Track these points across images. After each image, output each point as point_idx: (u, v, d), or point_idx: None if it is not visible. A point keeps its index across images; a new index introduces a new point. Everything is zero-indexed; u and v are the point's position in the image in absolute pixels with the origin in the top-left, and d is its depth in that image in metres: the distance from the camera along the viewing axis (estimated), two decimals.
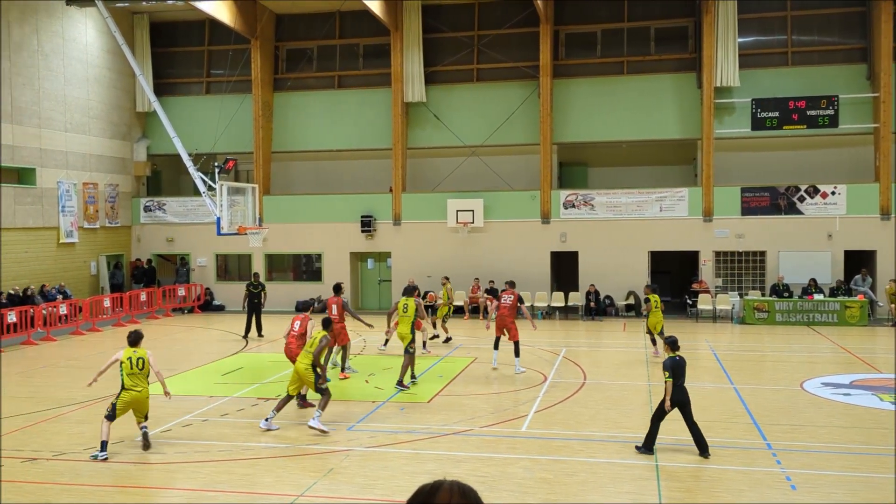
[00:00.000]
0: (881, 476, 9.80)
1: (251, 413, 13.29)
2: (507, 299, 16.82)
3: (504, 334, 16.76)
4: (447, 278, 23.38)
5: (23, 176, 24.30)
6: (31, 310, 21.47)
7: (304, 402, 13.49)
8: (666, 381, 10.53)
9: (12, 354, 19.73)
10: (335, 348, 16.07)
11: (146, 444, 11.04)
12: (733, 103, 25.94)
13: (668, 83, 26.68)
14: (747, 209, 25.44)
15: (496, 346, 16.92)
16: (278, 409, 12.15)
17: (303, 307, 15.75)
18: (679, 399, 10.49)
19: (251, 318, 21.85)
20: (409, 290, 15.99)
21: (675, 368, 10.52)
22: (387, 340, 19.19)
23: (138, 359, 11.21)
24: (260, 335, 21.96)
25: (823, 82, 25.43)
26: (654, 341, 18.42)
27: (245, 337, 21.65)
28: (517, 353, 16.49)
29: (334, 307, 16.15)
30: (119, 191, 28.49)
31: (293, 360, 13.35)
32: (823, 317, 23.43)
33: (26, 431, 12.18)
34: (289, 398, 12.36)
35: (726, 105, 26.01)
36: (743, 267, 25.69)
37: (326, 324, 12.77)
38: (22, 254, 23.75)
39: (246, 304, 21.76)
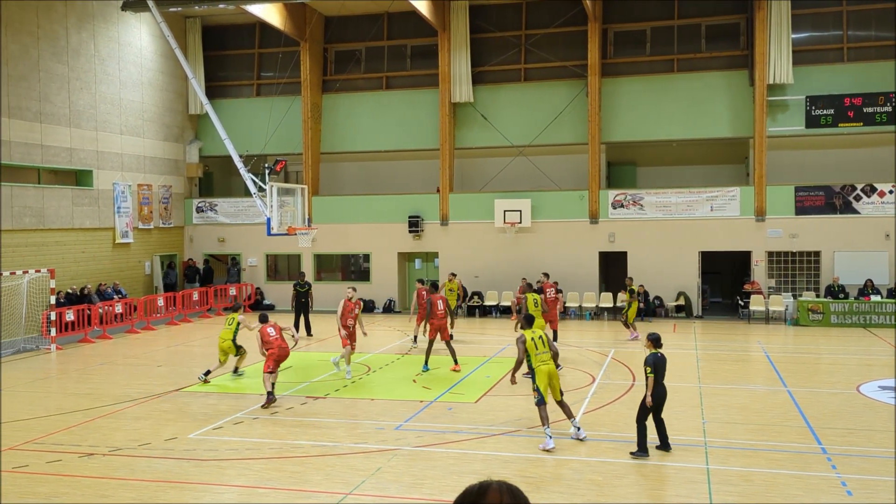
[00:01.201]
0: None
1: (300, 411, 13.46)
2: (550, 292, 18.75)
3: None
4: (454, 274, 23.10)
5: (80, 178, 24.98)
6: (88, 308, 22.06)
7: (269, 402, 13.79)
8: (647, 377, 10.62)
9: (70, 352, 20.30)
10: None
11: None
12: (787, 101, 25.40)
13: (720, 81, 26.24)
14: (801, 208, 24.89)
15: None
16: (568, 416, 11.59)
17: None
18: (658, 395, 10.62)
19: (299, 318, 22.17)
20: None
21: (657, 365, 10.65)
22: (416, 337, 20.22)
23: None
24: (309, 335, 22.22)
25: (880, 78, 24.73)
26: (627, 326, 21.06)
27: (293, 336, 21.91)
28: (554, 339, 17.84)
29: (440, 303, 17.04)
30: (172, 192, 29.10)
31: None
32: (880, 319, 22.80)
33: (84, 427, 12.52)
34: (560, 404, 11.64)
35: (779, 103, 25.48)
36: (797, 267, 25.14)
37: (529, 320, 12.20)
38: (79, 254, 24.42)
39: (294, 304, 22.24)
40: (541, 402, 11.23)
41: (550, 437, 11.07)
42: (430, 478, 9.84)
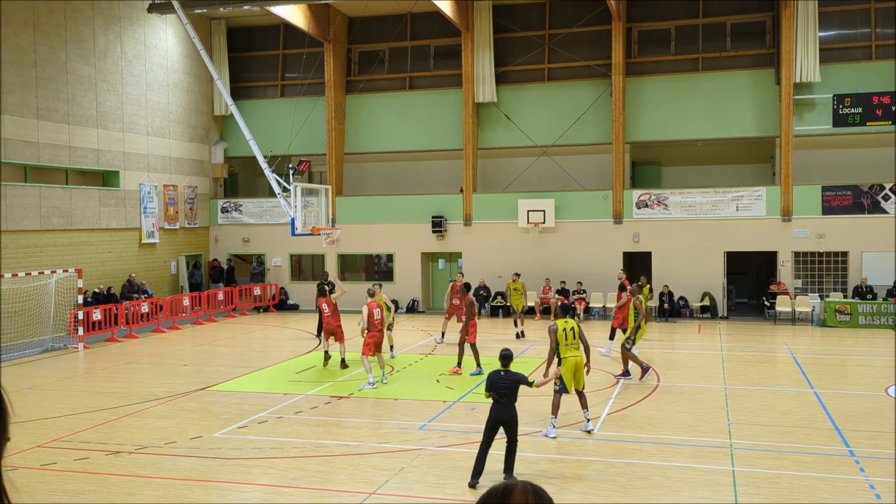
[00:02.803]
0: None
1: (324, 411, 13.52)
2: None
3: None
4: (518, 274, 22.98)
5: (107, 179, 25.28)
6: (115, 308, 22.32)
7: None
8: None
9: (97, 351, 20.56)
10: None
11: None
12: (813, 99, 25.09)
13: (745, 80, 25.99)
14: (828, 208, 24.58)
15: (612, 337, 18.59)
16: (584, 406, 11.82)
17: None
18: (496, 417, 9.62)
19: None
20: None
21: (491, 383, 9.75)
22: (443, 333, 20.49)
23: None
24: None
25: None
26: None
27: (318, 335, 22.02)
28: (612, 337, 18.60)
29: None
30: (197, 192, 29.35)
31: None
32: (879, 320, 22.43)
33: (111, 425, 12.66)
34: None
35: (806, 101, 25.18)
36: (824, 268, 24.83)
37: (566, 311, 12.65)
38: (106, 254, 24.71)
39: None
40: (562, 391, 11.63)
41: (554, 426, 11.59)
42: (453, 478, 9.84)
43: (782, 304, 24.21)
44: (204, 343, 21.96)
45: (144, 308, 23.49)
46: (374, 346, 15.10)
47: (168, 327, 24.05)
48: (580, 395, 11.84)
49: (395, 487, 9.56)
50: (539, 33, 27.77)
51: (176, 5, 23.51)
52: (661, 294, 25.21)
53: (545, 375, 11.86)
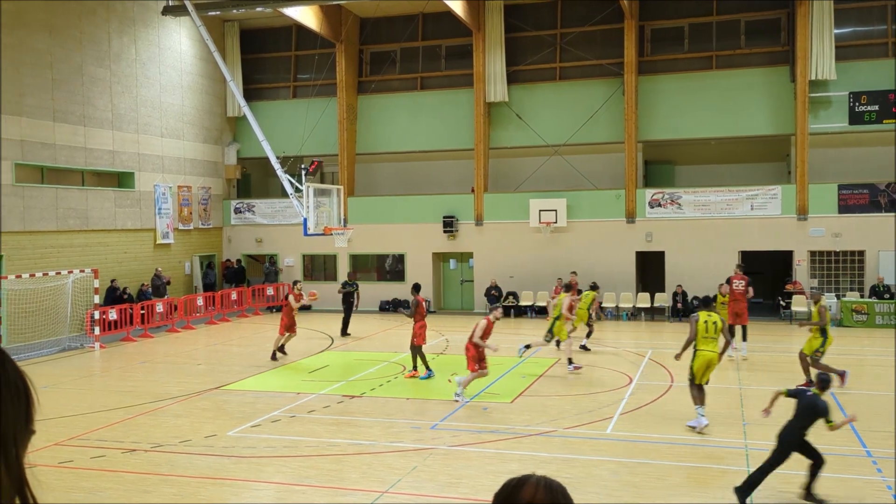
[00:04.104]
0: None
1: (337, 410, 13.55)
2: (738, 284, 18.33)
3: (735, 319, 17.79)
4: (574, 272, 22.18)
5: (122, 180, 25.44)
6: (130, 308, 22.46)
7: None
8: None
9: (113, 350, 20.69)
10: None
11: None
12: (829, 97, 24.91)
13: (760, 77, 25.84)
14: (845, 207, 24.40)
15: (732, 334, 16.88)
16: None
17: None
18: None
19: (349, 317, 22.41)
20: (567, 287, 17.51)
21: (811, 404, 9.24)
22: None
23: None
24: (345, 334, 22.35)
25: None
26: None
27: (344, 334, 22.19)
28: (745, 338, 17.98)
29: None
30: (211, 193, 29.49)
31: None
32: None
33: (127, 424, 12.74)
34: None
35: (822, 99, 25.00)
36: (840, 267, 24.65)
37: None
38: (122, 254, 24.87)
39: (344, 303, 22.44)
40: (692, 382, 11.83)
41: (703, 415, 11.66)
42: (466, 477, 9.84)
43: (798, 304, 24.05)
44: (218, 342, 22.06)
45: (159, 308, 23.62)
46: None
47: (182, 327, 24.17)
48: (700, 389, 11.85)
49: (407, 486, 9.57)
50: (551, 32, 27.72)
51: (189, 7, 23.63)
52: (675, 294, 25.11)
53: (676, 359, 12.45)
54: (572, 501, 1.81)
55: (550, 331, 17.29)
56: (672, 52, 26.96)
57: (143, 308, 22.84)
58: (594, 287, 20.28)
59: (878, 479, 9.59)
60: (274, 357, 18.59)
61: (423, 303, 16.58)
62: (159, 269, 25.48)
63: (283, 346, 18.95)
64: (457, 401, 13.81)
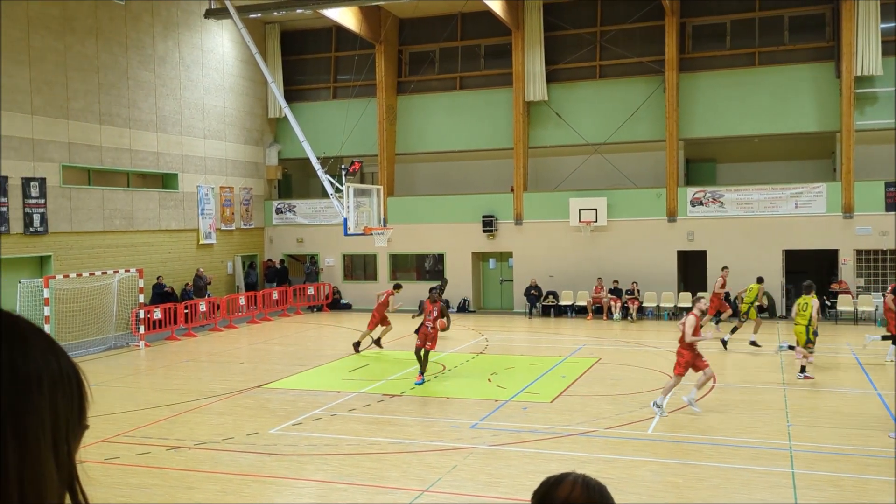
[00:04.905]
0: None
1: (377, 409, 13.64)
2: None
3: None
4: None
5: (166, 181, 25.90)
6: (174, 307, 22.86)
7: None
8: None
9: (157, 349, 21.08)
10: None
11: None
12: (876, 93, 24.36)
13: (804, 74, 25.37)
14: (892, 205, 23.81)
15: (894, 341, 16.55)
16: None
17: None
18: None
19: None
20: (808, 288, 15.82)
21: None
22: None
23: None
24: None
25: None
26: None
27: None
28: None
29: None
30: (253, 194, 29.87)
31: None
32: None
33: (172, 421, 12.98)
34: None
35: (868, 95, 24.45)
36: (887, 266, 24.07)
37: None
38: (166, 254, 25.33)
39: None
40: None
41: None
42: (505, 476, 9.84)
43: (844, 304, 23.56)
44: (260, 342, 22.34)
45: (202, 307, 24.00)
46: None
47: (225, 326, 24.52)
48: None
49: (447, 485, 9.60)
50: (590, 30, 27.53)
51: (231, 10, 23.97)
52: None
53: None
54: (611, 501, 1.80)
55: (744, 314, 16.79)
56: (714, 49, 26.59)
57: (186, 307, 23.22)
58: (760, 280, 20.08)
59: None
60: (357, 348, 19.28)
61: (432, 305, 15.87)
62: (201, 269, 25.89)
63: (379, 339, 19.55)
64: (657, 413, 12.60)
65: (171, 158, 25.77)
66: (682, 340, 12.88)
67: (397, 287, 19.89)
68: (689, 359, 12.81)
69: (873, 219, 23.98)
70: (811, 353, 15.38)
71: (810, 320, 15.19)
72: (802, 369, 15.44)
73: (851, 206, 24.16)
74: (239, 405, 14.11)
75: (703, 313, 13.19)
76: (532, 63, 27.33)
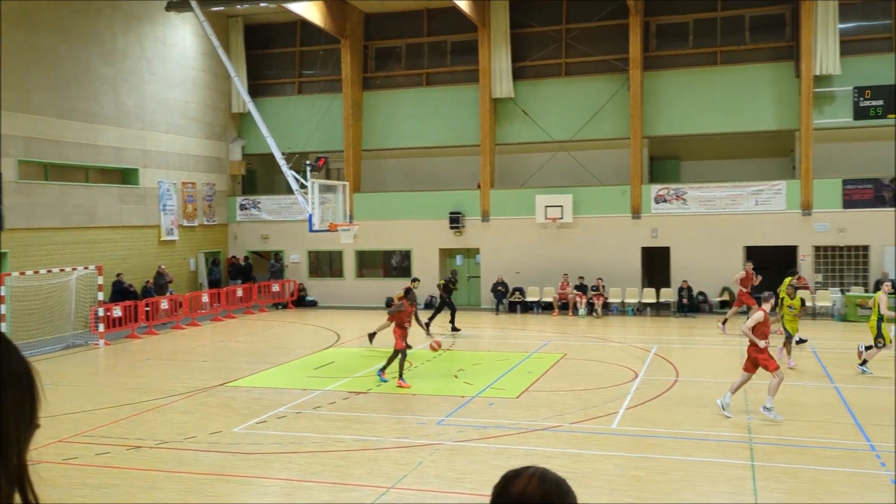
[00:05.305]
0: None
1: (343, 406, 13.58)
2: None
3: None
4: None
5: (127, 176, 25.49)
6: (135, 305, 22.51)
7: None
8: None
9: (118, 347, 20.75)
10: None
11: None
12: (834, 92, 24.83)
13: (765, 73, 25.78)
14: (849, 202, 24.33)
15: None
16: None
17: None
18: None
19: (453, 312, 22.20)
20: (877, 284, 15.75)
21: None
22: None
23: None
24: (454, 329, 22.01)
25: None
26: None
27: (454, 329, 21.94)
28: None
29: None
30: (216, 190, 29.53)
31: None
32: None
33: (132, 420, 12.79)
34: None
35: (826, 94, 24.92)
36: (844, 262, 24.59)
37: None
38: (127, 251, 24.93)
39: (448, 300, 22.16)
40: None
41: None
42: (471, 472, 9.85)
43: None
44: (223, 339, 22.11)
45: (164, 305, 23.67)
46: None
47: (187, 324, 24.22)
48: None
49: (413, 482, 9.59)
50: (556, 28, 27.67)
51: (193, 3, 23.65)
52: (680, 289, 25.10)
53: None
54: (569, 494, 1.80)
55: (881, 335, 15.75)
56: (677, 48, 26.90)
57: (147, 305, 22.90)
58: (793, 273, 20.25)
59: (884, 474, 9.57)
60: (371, 338, 19.24)
61: (412, 307, 15.67)
62: (162, 266, 25.54)
63: (374, 333, 19.45)
64: (774, 418, 11.93)
65: (132, 153, 25.37)
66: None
67: (415, 281, 19.91)
68: (763, 356, 12.10)
69: (831, 216, 24.47)
70: (881, 348, 15.50)
71: (881, 316, 15.33)
72: (864, 362, 15.60)
73: (810, 203, 24.62)
74: (202, 404, 13.95)
75: (770, 308, 12.52)
76: (498, 60, 27.39)
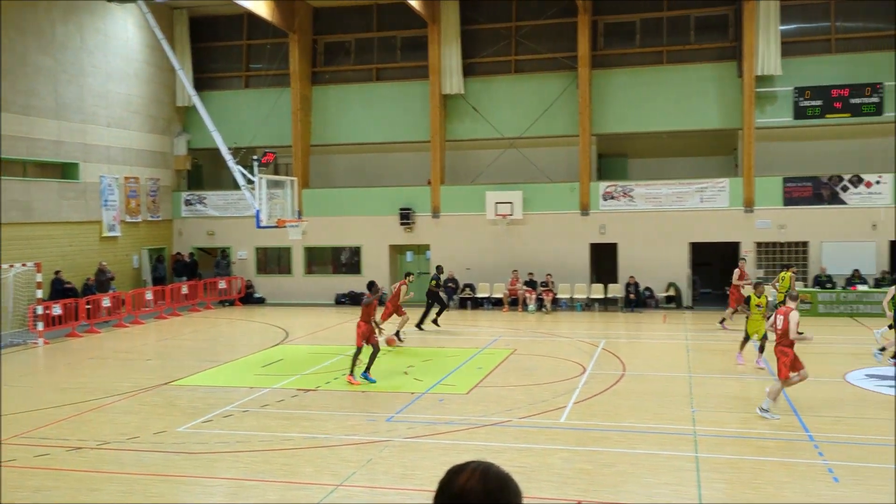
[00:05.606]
0: None
1: (291, 404, 13.44)
2: None
3: None
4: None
5: (66, 171, 24.79)
6: (76, 303, 21.93)
7: None
8: None
9: (58, 346, 20.19)
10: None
11: None
12: (775, 92, 25.45)
13: (709, 72, 26.28)
14: (789, 199, 24.98)
15: None
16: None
17: None
18: None
19: (442, 309, 22.03)
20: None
21: None
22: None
23: None
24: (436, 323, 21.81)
25: (868, 70, 24.80)
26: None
27: (427, 325, 21.68)
28: None
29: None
30: (160, 185, 28.93)
31: None
32: (867, 308, 22.91)
33: (73, 421, 12.46)
34: None
35: (768, 94, 25.53)
36: (785, 258, 25.24)
37: None
38: (67, 248, 24.26)
39: (439, 296, 22.06)
40: None
41: None
42: (420, 468, 9.84)
43: (745, 294, 24.51)
44: (168, 338, 21.70)
45: (106, 302, 23.10)
46: None
47: (131, 322, 23.69)
48: None
49: (361, 479, 9.54)
50: (506, 25, 27.78)
51: None
52: (628, 285, 25.45)
53: None
54: (511, 488, 1.79)
55: None
56: (624, 47, 27.25)
57: (88, 303, 22.32)
58: (789, 268, 20.58)
59: (821, 463, 9.85)
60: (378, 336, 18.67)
61: (374, 300, 15.26)
62: (103, 262, 24.91)
63: (398, 332, 19.14)
64: (766, 418, 11.74)
65: (72, 147, 24.69)
66: (782, 338, 11.95)
67: (408, 275, 19.81)
68: (794, 357, 11.86)
69: (772, 213, 25.09)
70: None
71: None
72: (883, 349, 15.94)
73: (752, 200, 25.20)
74: (145, 403, 13.66)
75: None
76: (449, 56, 27.39)
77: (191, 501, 9.23)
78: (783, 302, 17.50)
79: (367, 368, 14.84)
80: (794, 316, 11.88)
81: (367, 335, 14.80)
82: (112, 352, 19.42)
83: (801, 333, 11.83)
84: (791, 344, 11.86)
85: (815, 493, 8.90)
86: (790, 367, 11.83)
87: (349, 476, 9.60)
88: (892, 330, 16.24)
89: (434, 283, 22.09)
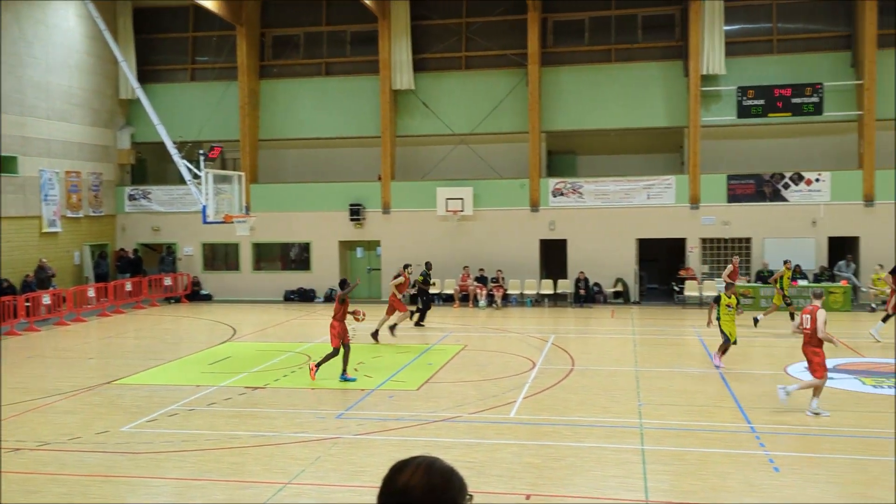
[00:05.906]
0: (865, 458, 9.89)
1: (238, 402, 13.26)
2: None
3: None
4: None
5: (5, 164, 24.01)
6: (14, 300, 21.28)
7: None
8: None
9: None
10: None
11: None
12: (719, 91, 25.97)
13: (655, 71, 26.69)
14: (733, 196, 25.53)
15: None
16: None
17: None
18: None
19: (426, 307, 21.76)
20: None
21: None
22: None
23: None
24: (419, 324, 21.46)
25: (808, 70, 25.50)
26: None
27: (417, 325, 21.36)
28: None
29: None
30: (103, 179, 28.24)
31: None
32: (807, 302, 23.43)
33: (12, 421, 12.09)
34: None
35: (712, 93, 26.04)
36: (729, 253, 25.77)
37: None
38: (4, 244, 23.51)
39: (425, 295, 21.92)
40: None
41: None
42: (370, 465, 9.80)
43: (690, 289, 25.04)
44: (111, 336, 21.21)
45: (46, 300, 22.47)
46: None
47: (72, 320, 23.08)
48: None
49: (310, 476, 9.46)
50: (456, 21, 27.78)
51: None
52: (577, 280, 25.72)
53: None
54: (455, 483, 1.78)
55: None
56: (573, 45, 27.49)
57: (27, 300, 21.67)
58: (786, 262, 20.75)
59: (762, 454, 10.10)
60: (374, 337, 18.58)
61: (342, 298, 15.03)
62: (43, 259, 24.22)
63: (394, 325, 18.95)
64: (820, 414, 11.61)
65: (9, 140, 23.91)
66: (810, 338, 11.76)
67: (406, 267, 19.79)
68: (824, 357, 11.64)
69: (717, 209, 25.61)
70: None
71: None
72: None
73: (697, 197, 25.69)
74: (87, 403, 13.33)
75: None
76: (399, 52, 27.28)
77: (135, 502, 9.04)
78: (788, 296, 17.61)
79: (344, 370, 14.55)
80: (822, 314, 11.66)
81: (342, 335, 14.48)
82: (52, 350, 18.91)
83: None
84: (820, 343, 11.66)
85: (756, 482, 9.13)
86: (824, 366, 11.63)
87: (298, 474, 9.51)
88: (886, 323, 17.29)
89: (422, 278, 22.06)
